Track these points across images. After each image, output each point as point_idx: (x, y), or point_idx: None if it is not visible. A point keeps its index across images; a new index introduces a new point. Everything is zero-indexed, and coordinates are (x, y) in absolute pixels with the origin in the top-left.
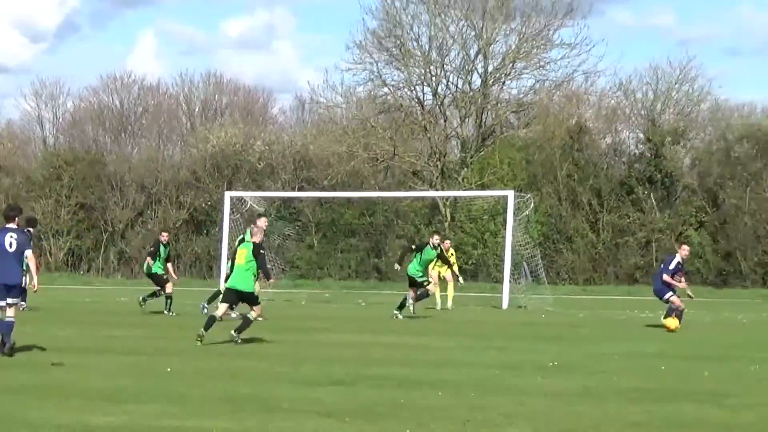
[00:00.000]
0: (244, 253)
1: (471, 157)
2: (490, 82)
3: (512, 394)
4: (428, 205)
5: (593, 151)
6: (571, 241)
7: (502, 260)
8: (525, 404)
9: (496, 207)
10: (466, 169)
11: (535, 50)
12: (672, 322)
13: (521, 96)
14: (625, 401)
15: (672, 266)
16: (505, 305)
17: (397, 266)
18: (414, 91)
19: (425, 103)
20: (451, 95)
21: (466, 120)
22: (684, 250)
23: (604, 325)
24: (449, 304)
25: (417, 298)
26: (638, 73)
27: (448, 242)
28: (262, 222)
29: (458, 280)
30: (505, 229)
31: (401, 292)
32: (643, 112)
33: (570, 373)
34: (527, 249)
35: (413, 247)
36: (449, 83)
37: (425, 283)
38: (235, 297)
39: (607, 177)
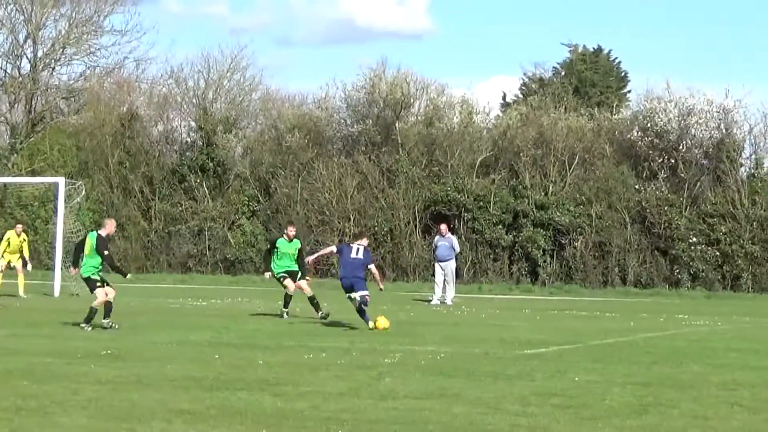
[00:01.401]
0: None
1: (21, 143)
2: (40, 67)
3: (65, 381)
4: None
5: (145, 139)
6: (124, 229)
7: (54, 247)
8: (78, 392)
9: (47, 194)
10: (15, 155)
11: (85, 36)
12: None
13: (72, 82)
14: (178, 389)
15: None
16: (56, 293)
17: None
18: None
19: None
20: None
21: (16, 105)
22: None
23: (157, 314)
24: (21, 292)
25: None
26: (190, 61)
27: (19, 227)
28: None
29: (26, 267)
30: (56, 216)
31: None
32: (194, 100)
33: (124, 361)
34: (80, 236)
35: None
36: None
37: None
38: None
39: (159, 165)
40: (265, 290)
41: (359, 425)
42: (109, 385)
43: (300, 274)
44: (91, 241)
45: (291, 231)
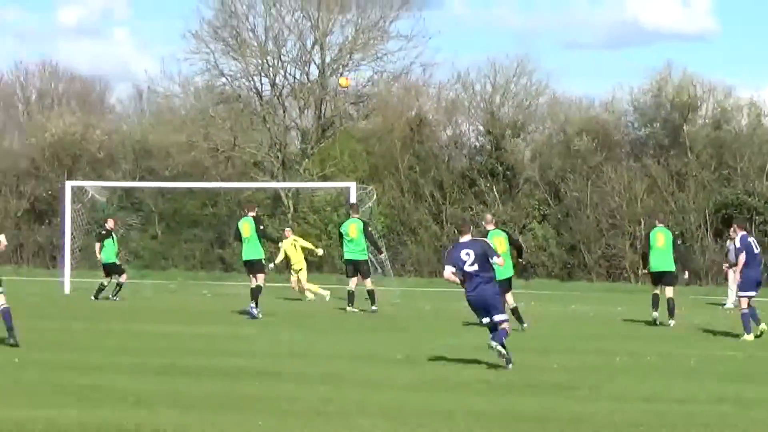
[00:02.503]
0: None
1: (312, 149)
2: (328, 73)
3: (363, 385)
4: (271, 196)
5: (434, 143)
6: (415, 233)
7: None
8: (376, 396)
9: (339, 198)
10: (307, 160)
11: (372, 41)
12: None
13: (360, 88)
14: (473, 392)
15: None
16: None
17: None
18: (252, 82)
19: (263, 94)
20: (289, 86)
21: (305, 111)
22: None
23: (449, 318)
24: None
25: None
26: (476, 65)
27: (287, 230)
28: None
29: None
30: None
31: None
32: (482, 105)
33: (419, 365)
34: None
35: None
36: (287, 74)
37: None
38: None
39: (449, 169)
40: (560, 294)
41: (656, 430)
42: (405, 389)
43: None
44: None
45: None
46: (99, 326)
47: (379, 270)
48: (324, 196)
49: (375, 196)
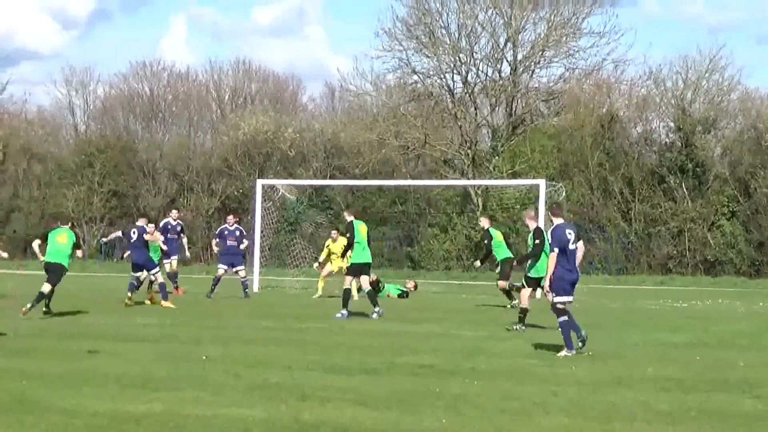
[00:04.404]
0: None
1: (502, 146)
2: (520, 70)
3: (545, 383)
4: (460, 193)
5: (624, 140)
6: (604, 231)
7: None
8: (558, 394)
9: (528, 195)
10: (497, 157)
11: (564, 39)
12: None
13: (551, 84)
14: (657, 390)
15: None
16: (538, 294)
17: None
18: (444, 79)
19: (455, 91)
20: (480, 83)
21: (497, 108)
22: None
23: (637, 315)
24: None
25: None
26: (668, 61)
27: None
28: None
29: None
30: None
31: (433, 281)
32: (673, 101)
33: (603, 362)
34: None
35: None
36: (479, 71)
37: None
38: None
39: (639, 166)
40: (747, 291)
41: None
42: (588, 387)
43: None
44: None
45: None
46: (289, 324)
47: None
48: (513, 193)
49: (564, 193)
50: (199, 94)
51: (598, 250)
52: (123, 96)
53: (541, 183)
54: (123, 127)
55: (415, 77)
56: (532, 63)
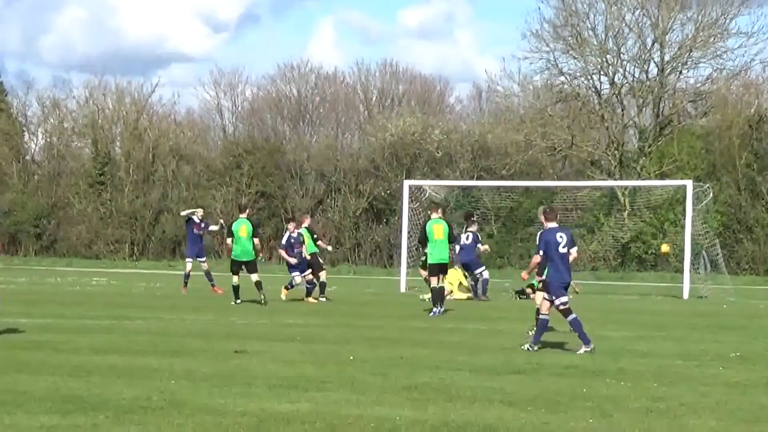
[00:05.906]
0: None
1: (649, 147)
2: (667, 71)
3: (694, 383)
4: (606, 194)
5: None
6: (751, 231)
7: (682, 250)
8: (707, 395)
9: (675, 197)
10: (644, 158)
11: (711, 39)
12: None
13: (698, 85)
14: None
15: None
16: (685, 295)
17: None
18: (591, 80)
19: (602, 92)
20: (627, 84)
21: (644, 109)
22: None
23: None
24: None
25: None
26: None
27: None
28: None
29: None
30: (684, 218)
31: (580, 282)
32: None
33: (752, 364)
34: (707, 239)
35: None
36: (626, 72)
37: None
38: None
39: None
40: None
41: None
42: (738, 388)
43: None
44: None
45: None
46: (435, 324)
47: (708, 268)
48: (661, 193)
49: (711, 194)
50: (346, 96)
51: (745, 251)
52: (271, 98)
53: (689, 184)
54: (270, 128)
55: (562, 78)
56: (680, 64)
